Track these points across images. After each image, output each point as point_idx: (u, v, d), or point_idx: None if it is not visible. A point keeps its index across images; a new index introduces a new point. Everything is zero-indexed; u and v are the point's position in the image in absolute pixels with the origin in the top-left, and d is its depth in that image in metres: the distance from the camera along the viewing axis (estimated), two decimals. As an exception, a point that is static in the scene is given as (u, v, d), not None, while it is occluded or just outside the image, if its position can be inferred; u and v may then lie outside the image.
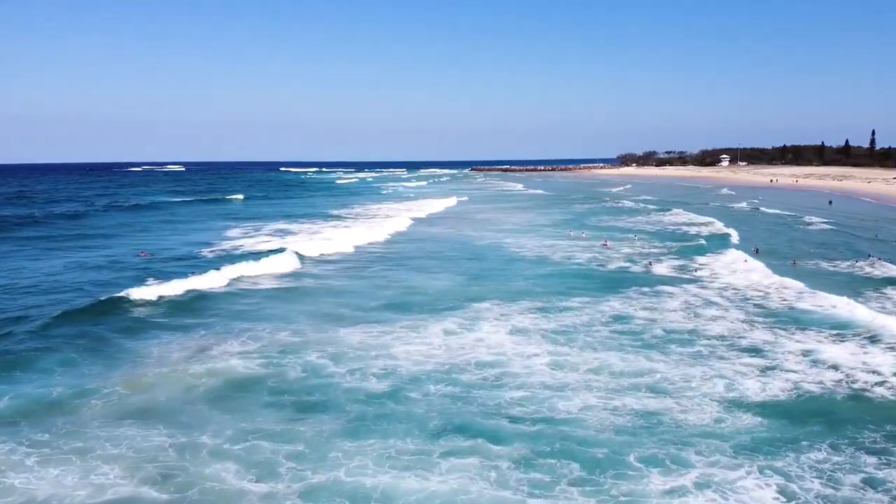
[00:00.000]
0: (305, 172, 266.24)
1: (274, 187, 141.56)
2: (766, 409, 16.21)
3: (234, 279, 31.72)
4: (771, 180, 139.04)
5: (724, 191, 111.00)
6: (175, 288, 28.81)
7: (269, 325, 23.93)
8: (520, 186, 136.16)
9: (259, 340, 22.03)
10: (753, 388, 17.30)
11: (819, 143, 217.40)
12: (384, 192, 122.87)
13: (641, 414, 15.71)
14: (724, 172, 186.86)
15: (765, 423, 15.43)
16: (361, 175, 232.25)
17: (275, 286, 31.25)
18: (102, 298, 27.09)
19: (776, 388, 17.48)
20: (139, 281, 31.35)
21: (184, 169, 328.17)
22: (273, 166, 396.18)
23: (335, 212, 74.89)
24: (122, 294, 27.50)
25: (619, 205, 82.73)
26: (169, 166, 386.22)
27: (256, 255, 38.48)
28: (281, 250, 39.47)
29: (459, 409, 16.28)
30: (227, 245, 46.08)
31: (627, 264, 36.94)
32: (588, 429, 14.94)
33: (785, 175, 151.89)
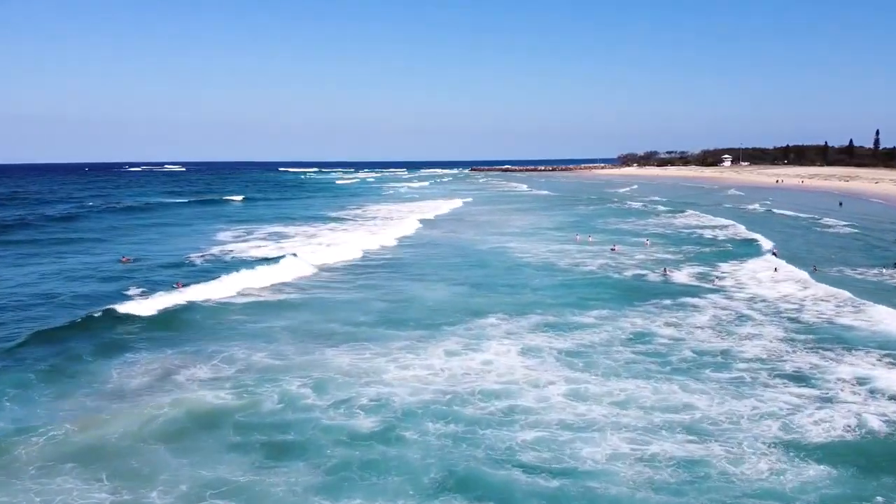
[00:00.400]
0: (304, 173, 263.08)
1: (272, 188, 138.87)
2: (830, 454, 13.54)
3: (218, 291, 29.02)
4: (777, 181, 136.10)
5: (732, 191, 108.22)
6: (152, 303, 25.91)
7: (248, 344, 21.28)
8: (523, 187, 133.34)
9: (234, 364, 19.38)
10: (814, 429, 14.59)
11: (821, 143, 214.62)
12: (386, 193, 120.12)
13: (683, 464, 13.03)
14: (727, 173, 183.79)
15: (832, 475, 12.77)
16: (362, 175, 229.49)
17: (261, 298, 28.58)
18: (74, 317, 24.35)
19: (839, 426, 14.79)
20: (118, 293, 28.86)
21: (184, 169, 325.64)
22: (272, 166, 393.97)
23: (334, 214, 72.29)
24: (94, 311, 24.74)
25: (627, 206, 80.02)
26: (167, 166, 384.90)
27: (247, 263, 35.92)
28: (274, 258, 36.82)
29: (463, 455, 13.63)
30: (217, 250, 43.41)
31: (643, 272, 34.24)
32: (621, 484, 12.28)
33: (789, 175, 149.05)
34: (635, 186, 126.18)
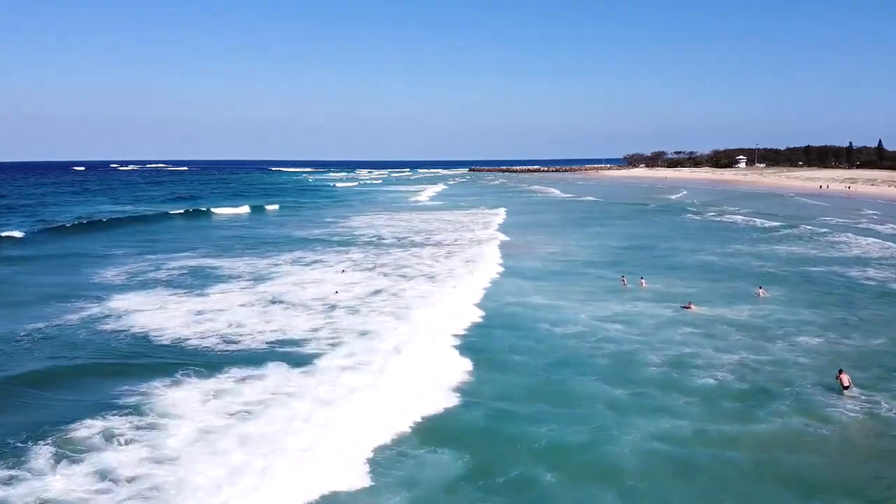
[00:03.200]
0: (300, 173, 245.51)
1: (257, 192, 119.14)
2: None
3: None
4: (821, 186, 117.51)
5: (803, 199, 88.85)
6: None
7: None
8: (555, 191, 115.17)
9: None
10: None
11: (835, 144, 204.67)
12: (395, 199, 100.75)
13: None
14: (752, 175, 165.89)
15: None
16: (364, 176, 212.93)
17: None
18: None
19: None
20: None
21: (186, 169, 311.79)
22: (267, 165, 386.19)
23: (303, 234, 55.31)
24: None
25: (682, 218, 61.89)
26: (153, 164, 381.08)
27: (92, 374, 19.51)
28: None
29: None
30: (87, 313, 25.81)
31: (818, 387, 16.85)
32: None
33: (821, 178, 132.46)
34: (684, 192, 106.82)
